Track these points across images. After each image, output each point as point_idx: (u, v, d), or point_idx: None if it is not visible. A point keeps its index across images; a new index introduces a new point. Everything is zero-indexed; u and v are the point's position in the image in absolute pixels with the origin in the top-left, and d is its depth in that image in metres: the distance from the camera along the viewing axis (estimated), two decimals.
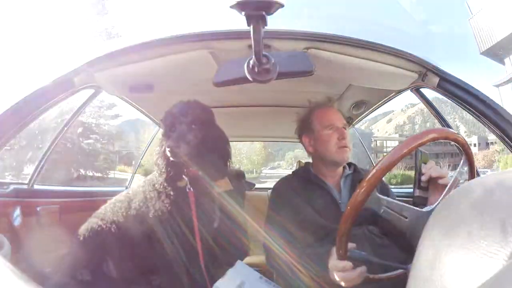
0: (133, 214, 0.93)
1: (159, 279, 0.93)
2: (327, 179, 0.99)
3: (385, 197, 0.64)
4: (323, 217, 0.90)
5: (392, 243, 0.86)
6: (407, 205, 0.62)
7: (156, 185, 0.92)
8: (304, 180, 1.00)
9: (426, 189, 0.69)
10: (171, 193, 0.90)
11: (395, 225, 0.62)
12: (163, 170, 0.89)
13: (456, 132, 0.63)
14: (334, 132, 0.97)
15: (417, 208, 0.61)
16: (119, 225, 0.94)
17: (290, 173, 1.11)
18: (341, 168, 1.01)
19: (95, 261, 0.94)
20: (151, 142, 2.22)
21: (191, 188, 0.90)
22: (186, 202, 0.89)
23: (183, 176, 0.90)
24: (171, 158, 0.84)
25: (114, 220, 0.95)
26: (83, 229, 0.96)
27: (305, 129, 1.04)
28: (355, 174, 1.01)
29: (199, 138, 0.87)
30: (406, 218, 0.60)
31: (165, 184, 0.91)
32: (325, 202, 0.94)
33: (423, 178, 0.68)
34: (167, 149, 0.82)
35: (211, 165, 0.90)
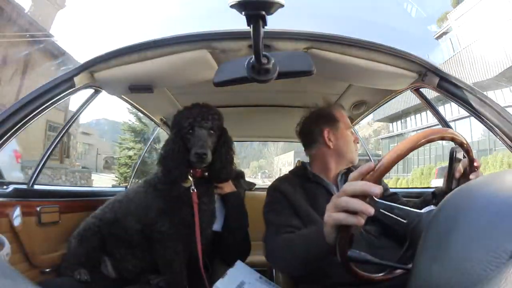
0: (132, 213, 0.93)
1: (157, 278, 0.93)
2: (328, 177, 1.00)
3: (381, 201, 0.62)
4: (322, 213, 0.90)
5: (390, 244, 0.86)
6: (405, 207, 0.61)
7: (159, 185, 0.92)
8: (302, 178, 1.00)
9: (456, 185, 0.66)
10: (175, 193, 0.90)
11: (393, 227, 0.61)
12: (170, 170, 0.88)
13: (458, 132, 0.63)
14: (352, 135, 1.02)
15: (416, 210, 0.61)
16: (117, 225, 0.94)
17: (287, 172, 1.10)
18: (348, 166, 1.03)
19: (93, 260, 0.94)
20: (150, 142, 2.23)
21: (195, 189, 0.90)
22: (190, 202, 0.89)
23: (189, 177, 0.91)
24: (196, 163, 0.87)
25: (113, 220, 0.95)
26: (80, 228, 0.96)
27: (327, 123, 1.03)
28: (349, 172, 1.02)
29: (215, 144, 0.91)
30: (405, 220, 0.59)
31: (170, 184, 0.90)
32: (325, 199, 0.94)
33: (457, 175, 0.64)
34: (194, 155, 0.84)
35: (219, 168, 0.92)
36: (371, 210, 0.50)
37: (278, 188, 0.98)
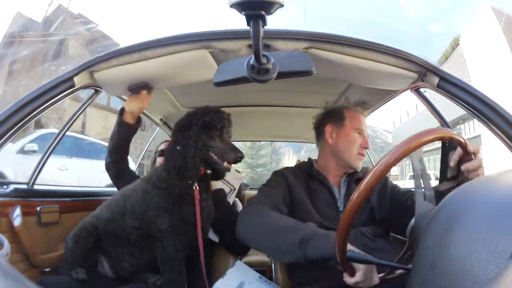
0: (130, 212, 0.93)
1: (154, 277, 0.93)
2: (329, 176, 0.99)
3: (425, 167, 0.60)
4: (320, 213, 0.90)
5: (386, 246, 0.86)
6: (431, 192, 0.60)
7: (158, 183, 0.91)
8: (306, 173, 0.99)
9: (455, 178, 0.64)
10: (177, 190, 0.90)
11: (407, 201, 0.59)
12: (186, 167, 0.87)
13: (456, 132, 0.63)
14: (360, 137, 0.98)
15: (430, 203, 0.59)
16: (114, 223, 0.94)
17: (293, 166, 1.09)
18: (349, 170, 1.01)
19: (90, 260, 0.94)
20: (151, 142, 2.23)
21: (197, 186, 0.91)
22: (192, 199, 0.90)
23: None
24: (230, 166, 0.90)
25: (110, 219, 0.94)
26: (77, 229, 0.96)
27: (333, 120, 1.02)
28: (354, 174, 1.01)
29: None
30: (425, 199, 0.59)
31: (175, 181, 0.90)
32: (325, 198, 0.94)
33: (451, 164, 0.63)
34: (238, 158, 0.88)
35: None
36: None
37: (283, 174, 0.98)
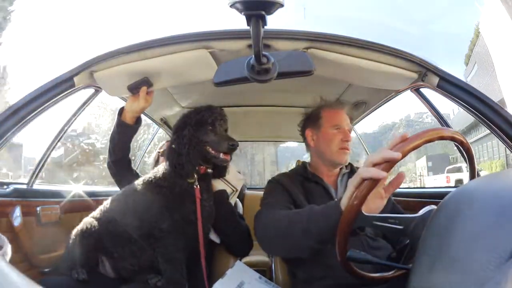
0: (130, 211, 0.93)
1: (155, 278, 0.93)
2: (324, 177, 0.99)
3: (372, 214, 0.62)
4: None
5: (386, 245, 0.86)
6: (398, 215, 0.61)
7: (160, 182, 0.92)
8: (302, 177, 1.00)
9: None
10: (178, 189, 0.91)
11: (391, 235, 0.61)
12: (183, 164, 0.89)
13: (457, 131, 0.63)
14: (339, 133, 0.98)
15: (410, 215, 0.61)
16: (115, 223, 0.94)
17: (288, 171, 1.10)
18: (338, 168, 1.02)
19: (91, 260, 0.94)
20: (151, 142, 2.23)
21: (198, 185, 0.92)
22: (193, 198, 0.91)
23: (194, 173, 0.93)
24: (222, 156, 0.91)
25: (110, 219, 0.94)
26: (78, 229, 0.96)
27: (311, 123, 1.04)
28: (352, 174, 1.01)
29: None
30: (401, 226, 0.60)
31: (177, 179, 0.91)
32: (323, 200, 0.94)
33: None
34: (230, 146, 0.89)
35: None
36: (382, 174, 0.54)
37: (278, 180, 0.99)
